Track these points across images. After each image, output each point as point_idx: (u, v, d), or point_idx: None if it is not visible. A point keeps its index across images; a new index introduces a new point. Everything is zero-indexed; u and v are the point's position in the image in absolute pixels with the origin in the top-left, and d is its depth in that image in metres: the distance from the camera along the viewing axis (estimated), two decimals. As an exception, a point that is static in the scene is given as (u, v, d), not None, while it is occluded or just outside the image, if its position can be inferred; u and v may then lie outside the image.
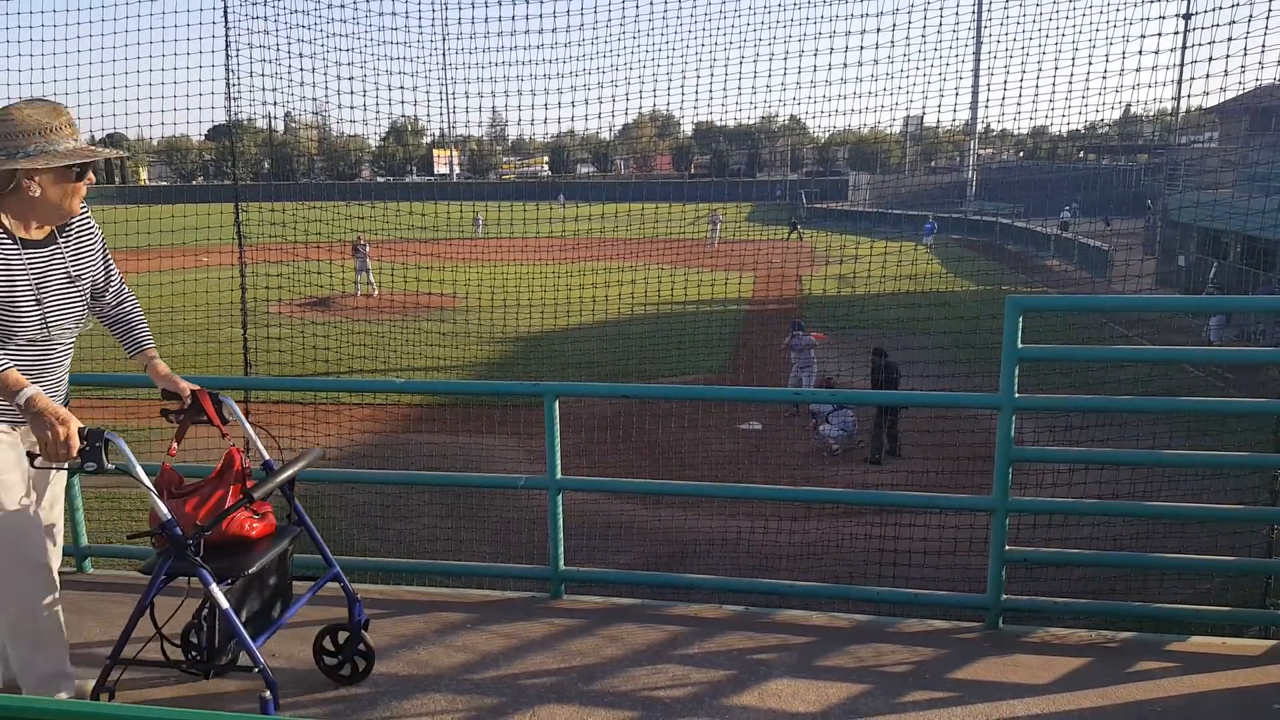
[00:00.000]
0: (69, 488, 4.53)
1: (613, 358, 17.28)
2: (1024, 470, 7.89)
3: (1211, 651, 3.54)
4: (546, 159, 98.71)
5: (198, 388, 3.12)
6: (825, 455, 12.39)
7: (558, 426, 4.02)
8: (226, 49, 7.85)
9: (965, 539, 5.56)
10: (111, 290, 3.10)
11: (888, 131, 68.75)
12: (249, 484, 2.95)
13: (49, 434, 2.49)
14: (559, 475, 4.08)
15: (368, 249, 24.60)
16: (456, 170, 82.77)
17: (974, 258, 31.91)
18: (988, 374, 3.83)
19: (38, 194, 2.69)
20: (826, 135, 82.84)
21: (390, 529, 9.35)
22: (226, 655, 2.88)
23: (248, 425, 3.16)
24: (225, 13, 7.78)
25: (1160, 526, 6.70)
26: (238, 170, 10.49)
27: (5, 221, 2.72)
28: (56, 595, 2.92)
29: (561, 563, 4.12)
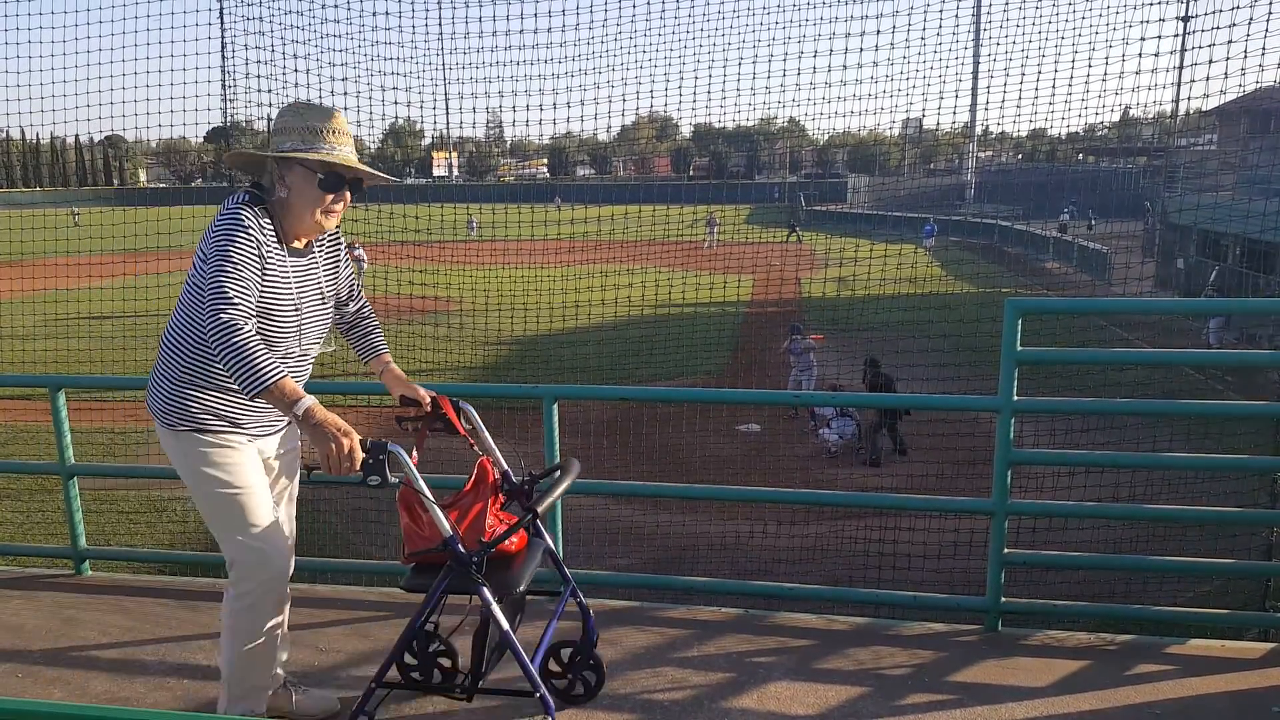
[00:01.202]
0: (66, 490, 4.52)
1: (611, 361, 17.28)
2: (1024, 473, 7.92)
3: (1211, 654, 3.53)
4: (545, 161, 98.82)
5: (435, 393, 3.01)
6: (824, 456, 12.40)
7: (556, 429, 4.02)
8: (223, 50, 7.84)
9: (965, 542, 5.56)
10: (353, 299, 3.05)
11: (887, 133, 68.82)
12: (501, 497, 2.85)
13: (333, 447, 2.36)
14: (558, 478, 4.07)
15: (361, 253, 24.61)
16: (455, 172, 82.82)
17: (973, 260, 31.95)
18: (987, 377, 3.83)
19: (285, 195, 2.61)
20: (825, 137, 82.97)
21: (389, 532, 9.34)
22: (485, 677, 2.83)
23: (486, 434, 3.00)
24: (221, 14, 7.78)
25: (1160, 529, 6.70)
26: (234, 172, 10.48)
27: (275, 226, 2.63)
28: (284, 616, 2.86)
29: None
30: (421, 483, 2.55)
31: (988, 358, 4.31)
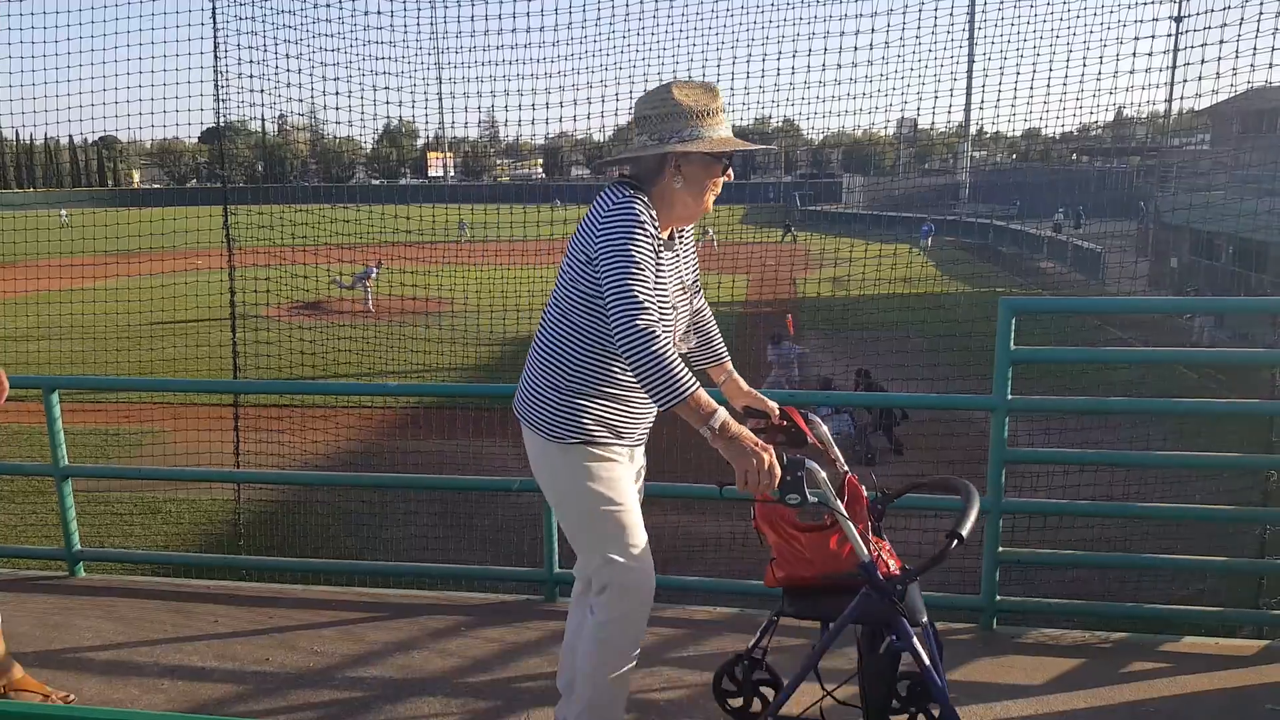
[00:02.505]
0: (60, 491, 4.50)
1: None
2: (1019, 472, 7.91)
3: (1205, 652, 3.54)
4: (540, 161, 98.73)
5: (778, 405, 2.77)
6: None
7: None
8: (215, 50, 7.81)
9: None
10: (697, 295, 2.82)
11: (881, 134, 68.92)
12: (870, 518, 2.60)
13: (753, 463, 2.22)
14: (553, 478, 4.06)
15: (374, 273, 24.71)
16: (451, 173, 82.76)
17: (968, 260, 32.00)
18: (982, 376, 3.84)
19: (680, 186, 2.41)
20: (820, 137, 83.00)
21: (384, 533, 9.33)
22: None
23: (835, 446, 2.77)
24: (214, 14, 7.75)
25: (1154, 527, 6.72)
26: (226, 173, 10.46)
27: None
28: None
29: (556, 565, 4.11)
30: (838, 503, 2.38)
31: (983, 357, 4.33)
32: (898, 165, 71.07)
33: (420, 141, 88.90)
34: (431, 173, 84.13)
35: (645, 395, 2.33)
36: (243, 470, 8.58)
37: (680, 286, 2.58)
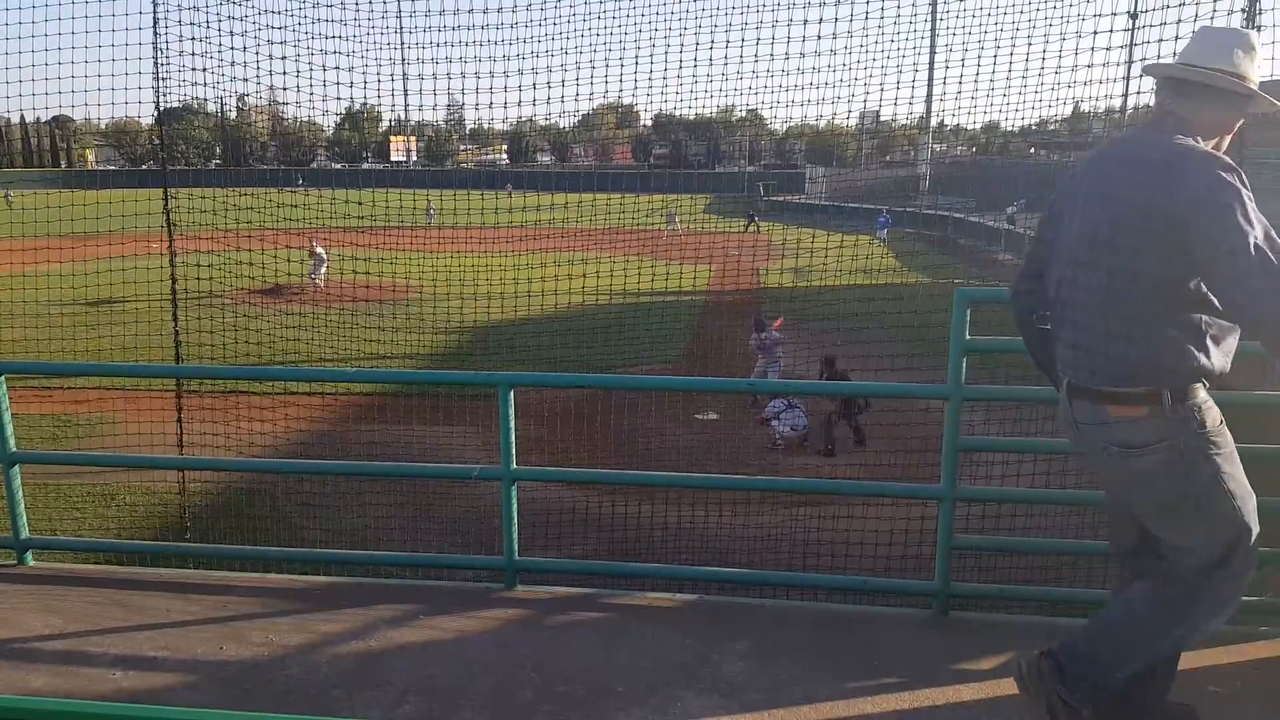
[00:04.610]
0: (7, 478, 4.39)
1: (570, 348, 17.24)
2: (979, 461, 8.00)
3: (1151, 636, 3.62)
4: (505, 147, 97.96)
5: None
6: (775, 449, 12.47)
7: (512, 418, 3.99)
8: (154, 26, 7.58)
9: (916, 529, 5.64)
10: None
11: (844, 125, 69.32)
12: None
13: None
14: (513, 466, 4.05)
15: (320, 250, 24.40)
16: (414, 157, 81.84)
17: (927, 251, 32.31)
18: (942, 367, 3.89)
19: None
20: (784, 128, 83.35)
21: (342, 520, 9.24)
22: None
23: None
24: (154, -6, 7.55)
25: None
26: (165, 155, 10.19)
27: None
28: None
29: (516, 553, 4.10)
30: None
31: (942, 347, 4.39)
32: (860, 157, 71.57)
33: (383, 126, 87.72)
34: (395, 157, 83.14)
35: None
36: (196, 457, 8.44)
37: None
